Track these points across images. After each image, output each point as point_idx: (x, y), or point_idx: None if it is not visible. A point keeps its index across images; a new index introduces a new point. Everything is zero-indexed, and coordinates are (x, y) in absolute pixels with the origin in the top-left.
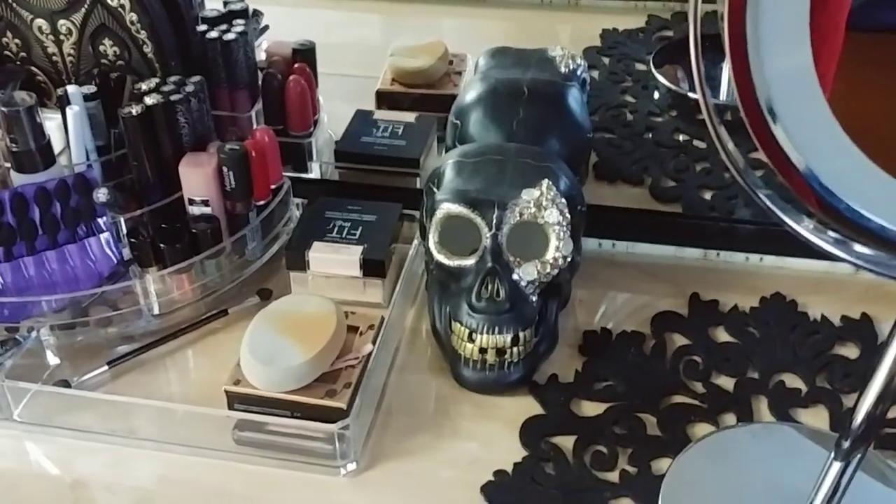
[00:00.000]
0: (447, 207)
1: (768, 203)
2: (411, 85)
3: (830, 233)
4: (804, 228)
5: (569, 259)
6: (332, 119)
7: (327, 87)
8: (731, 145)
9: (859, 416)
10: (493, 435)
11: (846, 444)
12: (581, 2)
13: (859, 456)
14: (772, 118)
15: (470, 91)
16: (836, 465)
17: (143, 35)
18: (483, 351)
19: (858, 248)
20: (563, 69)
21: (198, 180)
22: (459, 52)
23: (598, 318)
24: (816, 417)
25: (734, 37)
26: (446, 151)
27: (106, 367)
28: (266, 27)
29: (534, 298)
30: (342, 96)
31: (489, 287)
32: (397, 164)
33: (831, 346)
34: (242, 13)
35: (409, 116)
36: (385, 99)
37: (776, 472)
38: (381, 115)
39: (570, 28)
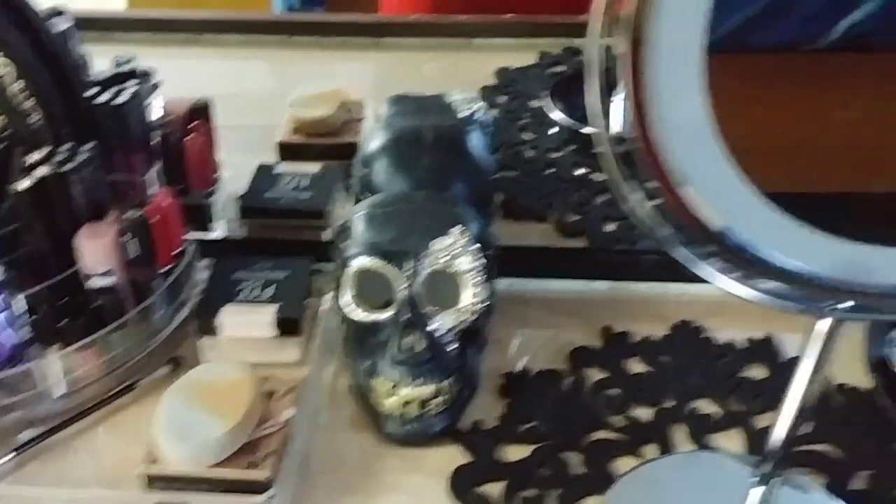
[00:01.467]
0: (360, 261)
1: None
2: (313, 134)
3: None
4: (710, 266)
5: (484, 304)
6: (236, 174)
7: (228, 141)
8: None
9: (776, 440)
10: (423, 487)
11: (767, 468)
12: (474, 42)
13: (780, 478)
14: (681, 180)
15: (374, 140)
16: (759, 489)
17: (29, 103)
18: (406, 404)
19: (763, 284)
20: (462, 113)
21: (97, 252)
22: (358, 98)
23: (515, 359)
24: (733, 440)
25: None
26: (355, 202)
27: (11, 456)
28: (158, 84)
29: (453, 346)
30: (244, 149)
31: (408, 340)
32: (304, 216)
33: (740, 368)
34: (133, 74)
35: (314, 167)
36: (287, 150)
37: (701, 501)
38: (284, 167)
39: (466, 68)
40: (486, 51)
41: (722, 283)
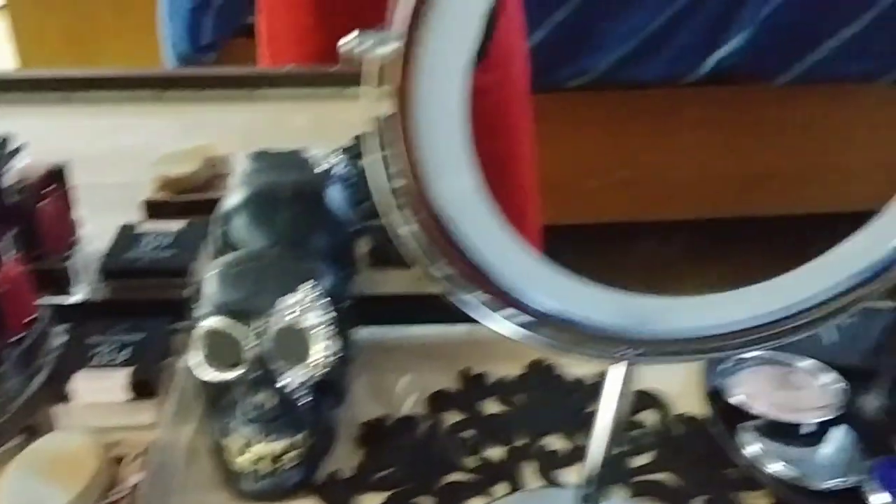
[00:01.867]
0: (208, 322)
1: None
2: (179, 191)
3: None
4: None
5: (334, 357)
6: (100, 234)
7: (95, 201)
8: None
9: (592, 464)
10: None
11: (589, 491)
12: (347, 91)
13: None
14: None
15: (232, 197)
16: None
17: None
18: (258, 460)
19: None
20: (320, 167)
21: None
22: (226, 153)
23: (375, 407)
24: (580, 474)
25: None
26: (215, 258)
27: None
28: (18, 149)
29: (305, 400)
30: (111, 208)
31: (257, 397)
32: (166, 275)
33: (588, 403)
34: None
35: (178, 225)
36: (153, 208)
37: None
38: (148, 226)
39: (339, 119)
40: (354, 100)
41: (518, 335)
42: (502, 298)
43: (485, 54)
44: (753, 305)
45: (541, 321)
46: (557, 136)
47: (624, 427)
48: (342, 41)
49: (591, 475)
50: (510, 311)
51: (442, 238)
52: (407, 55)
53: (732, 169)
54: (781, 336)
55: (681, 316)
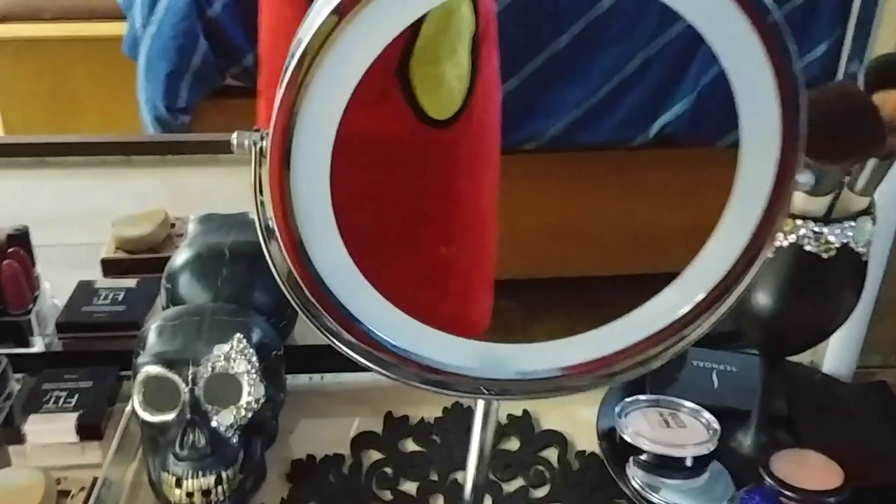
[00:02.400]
0: (147, 369)
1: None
2: (135, 251)
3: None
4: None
5: (262, 401)
6: (60, 290)
7: (55, 258)
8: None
9: (468, 491)
10: None
11: None
12: None
13: None
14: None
15: (178, 256)
16: None
17: None
18: (190, 495)
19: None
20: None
21: None
22: (183, 214)
23: (305, 447)
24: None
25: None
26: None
27: None
28: None
29: (234, 440)
30: (70, 266)
31: (190, 437)
32: (119, 328)
33: (497, 441)
34: None
35: (131, 282)
36: (110, 266)
37: None
38: (103, 282)
39: None
40: None
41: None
42: (380, 350)
43: (467, 105)
44: (583, 351)
45: (411, 368)
46: (514, 194)
47: (494, 455)
48: (234, 138)
49: (467, 500)
50: (389, 358)
51: (321, 298)
52: (277, 150)
53: (675, 223)
54: (609, 376)
55: (528, 360)
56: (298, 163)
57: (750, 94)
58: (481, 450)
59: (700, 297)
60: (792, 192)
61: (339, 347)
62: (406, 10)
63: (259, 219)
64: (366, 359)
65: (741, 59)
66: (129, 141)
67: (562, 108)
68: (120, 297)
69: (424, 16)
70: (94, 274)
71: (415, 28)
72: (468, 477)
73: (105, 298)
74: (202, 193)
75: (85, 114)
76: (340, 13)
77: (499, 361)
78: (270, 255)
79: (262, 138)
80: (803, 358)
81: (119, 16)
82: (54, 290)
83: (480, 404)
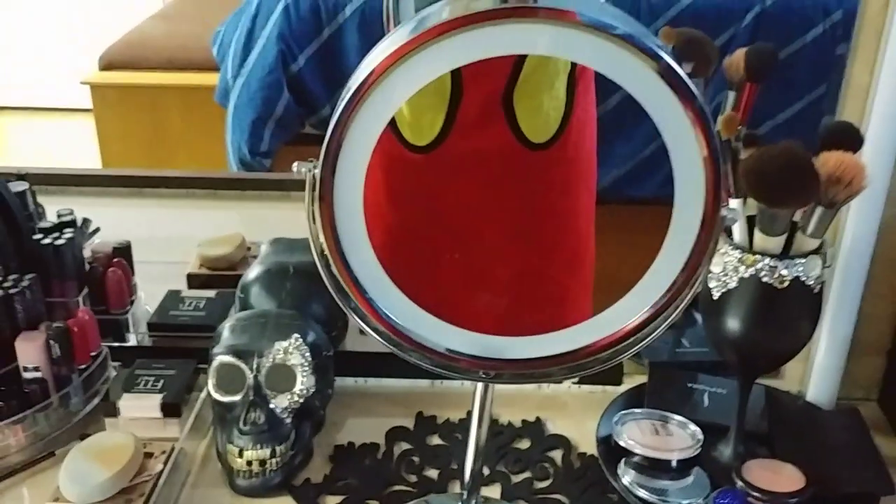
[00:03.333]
0: (220, 358)
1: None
2: (215, 268)
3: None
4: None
5: (312, 391)
6: (152, 298)
7: (148, 273)
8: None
9: (466, 474)
10: None
11: (465, 496)
12: None
13: (475, 501)
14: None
15: (251, 272)
16: None
17: None
18: (249, 463)
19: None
20: None
21: (29, 352)
22: (258, 239)
23: (347, 436)
24: (493, 491)
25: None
26: None
27: None
28: (97, 230)
29: (288, 421)
30: (161, 279)
31: (251, 415)
32: (199, 330)
33: (511, 441)
34: (71, 223)
35: (211, 293)
36: (194, 280)
37: None
38: (188, 293)
39: None
40: None
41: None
42: (406, 340)
43: (562, 132)
44: (558, 345)
45: (426, 353)
46: None
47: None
48: (294, 166)
49: (467, 480)
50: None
51: (356, 293)
52: (326, 177)
53: None
54: (577, 367)
55: (518, 349)
56: (339, 186)
57: (681, 153)
58: (477, 440)
59: (650, 305)
60: (719, 226)
61: (368, 331)
62: (420, 77)
63: (311, 232)
64: (387, 341)
65: (675, 129)
66: (214, 177)
67: (610, 163)
68: (201, 305)
69: (526, 55)
70: (181, 286)
71: (518, 64)
72: (467, 463)
73: (189, 305)
74: (274, 223)
75: (177, 154)
76: (375, 74)
77: (494, 349)
78: (317, 256)
79: (314, 167)
80: (791, 387)
81: (213, 67)
82: (147, 298)
83: (478, 399)
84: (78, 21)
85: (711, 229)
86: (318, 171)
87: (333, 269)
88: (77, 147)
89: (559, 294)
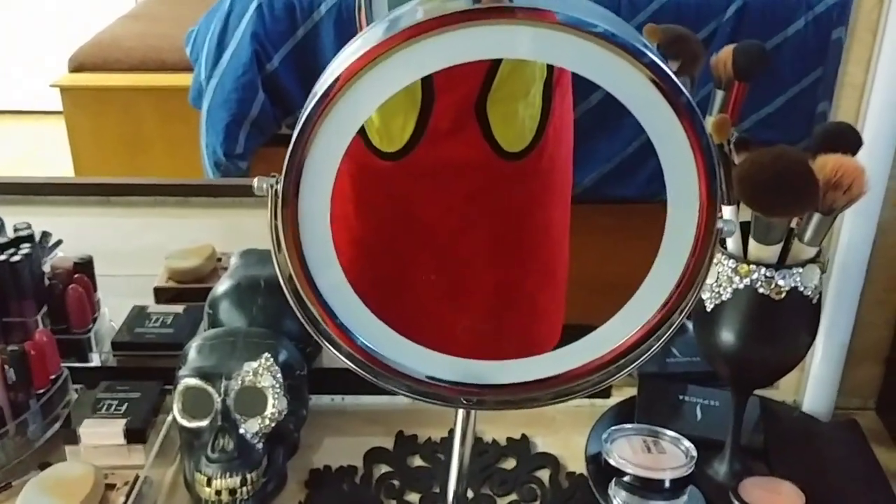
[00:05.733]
0: (186, 381)
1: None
2: (184, 281)
3: None
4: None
5: (284, 413)
6: (117, 313)
7: (113, 287)
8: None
9: (449, 499)
10: None
11: None
12: None
13: None
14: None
15: (220, 286)
16: None
17: None
18: (218, 493)
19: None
20: None
21: None
22: (232, 249)
23: (323, 458)
24: None
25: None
26: None
27: None
28: (59, 242)
29: (259, 446)
30: (127, 294)
31: (220, 441)
32: (166, 348)
33: (496, 461)
34: (29, 238)
35: (179, 308)
36: (162, 294)
37: None
38: (155, 308)
39: None
40: None
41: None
42: (382, 367)
43: (538, 141)
44: (543, 368)
45: (406, 381)
46: None
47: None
48: (255, 182)
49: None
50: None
51: (324, 315)
52: (290, 193)
53: None
54: (566, 394)
55: (502, 374)
56: (304, 203)
57: (673, 159)
58: (460, 462)
59: (641, 325)
60: (716, 238)
61: (341, 359)
62: (392, 83)
63: (274, 248)
64: (362, 369)
65: (666, 133)
66: (185, 184)
67: (593, 162)
68: (169, 321)
69: (501, 60)
70: (148, 300)
71: (492, 70)
72: (449, 487)
73: (156, 322)
74: (248, 232)
75: (152, 157)
76: (343, 79)
77: (476, 375)
78: (283, 280)
79: (277, 182)
80: (786, 397)
81: (187, 68)
82: (112, 313)
83: (459, 422)
84: (47, 22)
85: (706, 241)
86: (280, 187)
87: (301, 292)
88: (49, 151)
89: (534, 307)
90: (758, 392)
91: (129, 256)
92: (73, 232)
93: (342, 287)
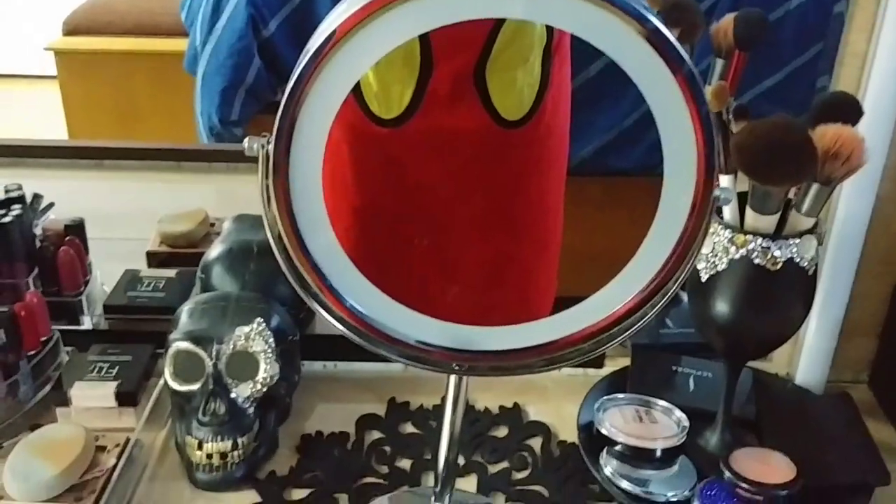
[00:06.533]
0: (177, 345)
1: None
2: (176, 246)
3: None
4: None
5: (276, 378)
6: (109, 277)
7: (105, 251)
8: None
9: (440, 466)
10: None
11: (438, 489)
12: None
13: (449, 494)
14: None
15: (212, 250)
16: None
17: None
18: (210, 456)
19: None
20: None
21: None
22: (225, 215)
23: (315, 425)
24: (469, 483)
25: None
26: None
27: None
28: (50, 205)
29: (251, 411)
30: (119, 258)
31: (211, 405)
32: (157, 312)
33: (488, 429)
34: (20, 199)
35: (171, 272)
36: (154, 258)
37: None
38: (147, 272)
39: None
40: None
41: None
42: (372, 332)
43: (536, 109)
44: (535, 335)
45: (397, 346)
46: None
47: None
48: (245, 142)
49: (441, 472)
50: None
51: (316, 279)
52: (280, 153)
53: None
54: (556, 361)
55: (494, 340)
56: (295, 163)
57: (670, 125)
58: (452, 429)
59: (636, 292)
60: (712, 206)
61: (332, 322)
62: (387, 40)
63: (265, 206)
64: (352, 332)
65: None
66: (179, 148)
67: (592, 133)
68: (161, 286)
69: (500, 26)
70: (140, 265)
71: (491, 37)
72: (440, 453)
73: (147, 286)
74: (242, 198)
75: (145, 123)
76: (337, 36)
77: (468, 341)
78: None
79: (268, 143)
80: (779, 369)
81: (182, 33)
82: (104, 277)
83: (451, 388)
84: None
85: (703, 209)
86: (271, 147)
87: (291, 254)
88: (43, 116)
89: (528, 276)
90: (751, 364)
91: (121, 221)
92: (65, 196)
93: (334, 249)
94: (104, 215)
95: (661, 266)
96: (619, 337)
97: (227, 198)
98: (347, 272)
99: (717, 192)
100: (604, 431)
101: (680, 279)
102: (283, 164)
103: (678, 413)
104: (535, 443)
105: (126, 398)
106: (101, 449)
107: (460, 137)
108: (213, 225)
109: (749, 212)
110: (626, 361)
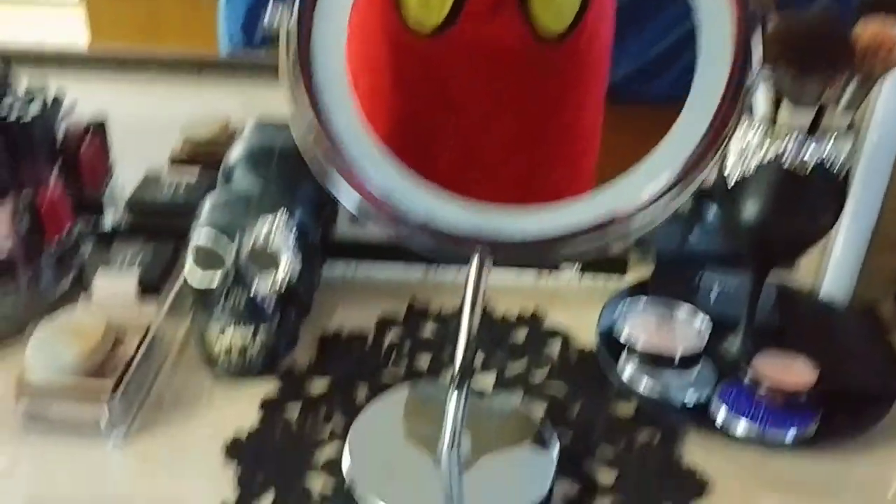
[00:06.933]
0: (200, 231)
1: None
2: (198, 153)
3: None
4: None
5: (297, 275)
6: (131, 181)
7: (131, 152)
8: None
9: (457, 363)
10: (241, 411)
11: (457, 377)
12: None
13: (468, 384)
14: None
15: (234, 153)
16: (455, 392)
17: None
18: (230, 345)
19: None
20: None
21: None
22: (244, 121)
23: (334, 325)
24: (487, 379)
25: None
26: None
27: None
28: (73, 105)
29: (271, 305)
30: (143, 165)
31: (232, 296)
32: (179, 211)
33: (507, 334)
34: (42, 98)
35: (192, 176)
36: (176, 164)
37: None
38: (168, 174)
39: None
40: None
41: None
42: (387, 212)
43: (578, 22)
44: (557, 221)
45: (417, 229)
46: None
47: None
48: (266, 19)
49: (459, 363)
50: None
51: (342, 165)
52: (304, 21)
53: None
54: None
55: (524, 222)
56: (318, 37)
57: (710, 6)
58: (469, 327)
59: (665, 178)
60: (745, 93)
61: (347, 207)
62: None
63: (291, 85)
64: (371, 219)
65: None
66: (202, 59)
67: (620, 61)
68: (182, 187)
69: None
70: (163, 167)
71: None
72: (458, 352)
73: (169, 186)
74: (264, 106)
75: (172, 42)
76: None
77: (490, 224)
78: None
79: (291, 14)
80: (804, 282)
81: None
82: (126, 182)
83: (472, 276)
84: None
85: (736, 95)
86: (294, 17)
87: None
88: (66, 36)
89: (563, 186)
90: (775, 277)
91: (144, 127)
92: (89, 103)
93: (356, 127)
94: (127, 123)
95: (693, 150)
96: (641, 227)
97: (250, 107)
98: (368, 150)
99: (750, 80)
100: (623, 337)
101: (708, 168)
102: (305, 39)
103: (701, 316)
104: (554, 348)
105: (148, 289)
106: (122, 340)
107: (498, 52)
108: (234, 132)
109: (783, 110)
110: (648, 272)
